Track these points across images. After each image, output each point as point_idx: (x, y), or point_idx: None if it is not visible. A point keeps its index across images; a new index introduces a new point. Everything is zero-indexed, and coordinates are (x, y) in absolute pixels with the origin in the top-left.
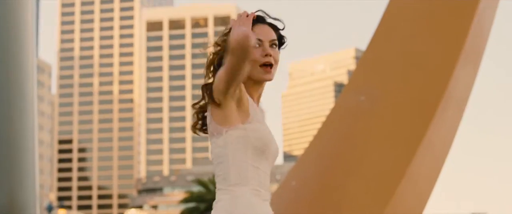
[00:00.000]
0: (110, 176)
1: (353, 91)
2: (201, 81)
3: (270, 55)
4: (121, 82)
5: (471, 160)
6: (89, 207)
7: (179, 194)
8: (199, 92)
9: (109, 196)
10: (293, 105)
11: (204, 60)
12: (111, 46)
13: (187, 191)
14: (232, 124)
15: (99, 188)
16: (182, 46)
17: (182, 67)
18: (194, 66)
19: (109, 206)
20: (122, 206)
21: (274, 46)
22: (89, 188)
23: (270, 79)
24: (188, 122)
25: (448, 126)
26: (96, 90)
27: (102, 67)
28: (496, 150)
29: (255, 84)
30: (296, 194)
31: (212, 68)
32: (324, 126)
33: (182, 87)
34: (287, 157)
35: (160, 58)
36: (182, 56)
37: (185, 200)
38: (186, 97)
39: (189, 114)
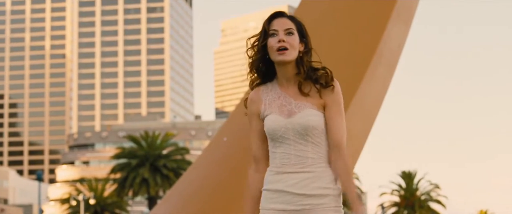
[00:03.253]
0: (41, 132)
1: None
2: (134, 37)
3: (283, 41)
4: (53, 38)
5: (400, 122)
6: (20, 162)
7: (110, 150)
8: (130, 47)
9: (40, 152)
10: (225, 62)
11: (137, 16)
12: (43, 1)
13: (118, 147)
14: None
15: (31, 143)
16: (115, 2)
17: (115, 22)
18: (126, 22)
19: (41, 162)
20: (53, 162)
21: (290, 33)
22: (21, 143)
23: (285, 60)
24: (120, 78)
25: (379, 84)
26: (27, 45)
27: (34, 22)
28: (424, 111)
29: (279, 66)
30: (228, 149)
31: (255, 70)
32: None
33: (115, 43)
34: (219, 113)
35: (92, 14)
36: (115, 12)
37: (117, 156)
38: (118, 53)
39: (121, 70)
